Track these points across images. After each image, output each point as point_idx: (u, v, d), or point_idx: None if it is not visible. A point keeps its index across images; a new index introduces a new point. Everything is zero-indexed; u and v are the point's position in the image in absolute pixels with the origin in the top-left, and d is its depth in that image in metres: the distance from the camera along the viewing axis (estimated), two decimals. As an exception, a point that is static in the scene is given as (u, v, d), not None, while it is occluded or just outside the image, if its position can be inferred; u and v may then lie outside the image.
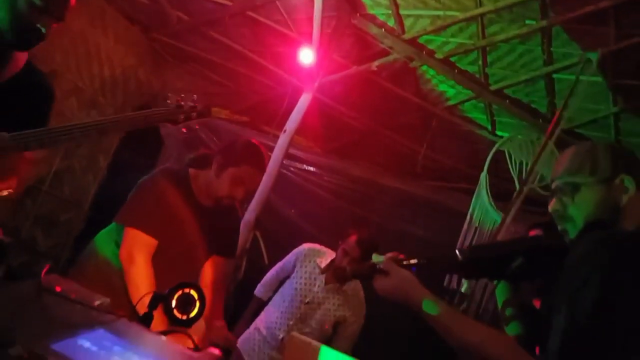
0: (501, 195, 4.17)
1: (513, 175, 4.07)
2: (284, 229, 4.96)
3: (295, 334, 2.18)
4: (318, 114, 4.80)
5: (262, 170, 2.24)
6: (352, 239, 3.00)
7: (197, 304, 1.41)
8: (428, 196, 5.23)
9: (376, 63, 4.17)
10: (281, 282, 3.30)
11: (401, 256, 1.59)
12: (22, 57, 1.76)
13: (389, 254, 1.59)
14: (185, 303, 1.39)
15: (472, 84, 4.18)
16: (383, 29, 4.02)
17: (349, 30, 4.19)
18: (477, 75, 4.14)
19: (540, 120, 4.19)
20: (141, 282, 2.01)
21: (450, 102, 4.51)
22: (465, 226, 4.06)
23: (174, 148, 5.33)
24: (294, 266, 3.20)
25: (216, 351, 1.05)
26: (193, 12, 4.67)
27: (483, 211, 4.04)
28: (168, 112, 1.79)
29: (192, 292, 1.41)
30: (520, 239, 1.79)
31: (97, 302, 1.15)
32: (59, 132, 1.56)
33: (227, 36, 4.80)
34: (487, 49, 3.89)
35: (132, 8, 4.74)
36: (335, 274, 2.66)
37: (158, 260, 2.06)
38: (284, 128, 4.16)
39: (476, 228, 4.02)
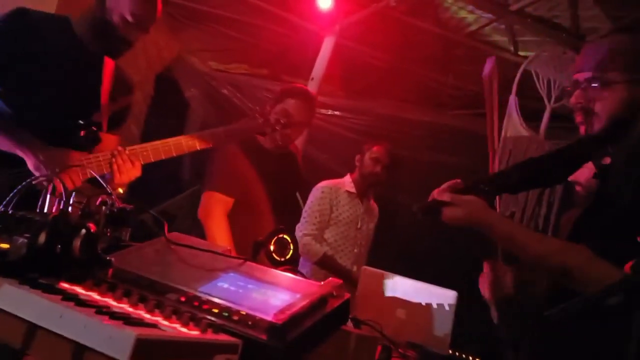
0: (531, 115, 4.22)
1: (542, 93, 4.10)
2: (318, 174, 5.08)
3: (366, 267, 2.35)
4: (337, 57, 4.81)
5: (306, 101, 2.42)
6: (380, 148, 3.32)
7: (291, 246, 1.54)
8: (456, 125, 5.27)
9: (394, -2, 4.14)
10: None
11: (458, 181, 1.66)
12: (111, 63, 1.96)
13: (447, 184, 1.64)
14: (282, 246, 1.53)
15: (492, 7, 4.15)
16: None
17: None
18: (496, -3, 4.11)
19: (564, 35, 4.17)
20: (218, 233, 2.20)
21: (471, 28, 4.48)
22: (499, 150, 4.12)
23: (200, 108, 5.42)
24: (331, 206, 3.30)
25: (337, 280, 1.18)
26: (202, -31, 4.64)
27: (515, 133, 4.10)
28: (258, 125, 2.06)
29: (286, 237, 1.54)
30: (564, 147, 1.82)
31: (220, 250, 1.28)
32: (171, 146, 1.88)
33: (238, -11, 4.78)
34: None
35: (141, -27, 4.71)
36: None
37: (241, 215, 2.24)
38: (311, 75, 4.20)
39: (510, 150, 4.10)
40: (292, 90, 2.44)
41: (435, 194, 1.55)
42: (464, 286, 2.28)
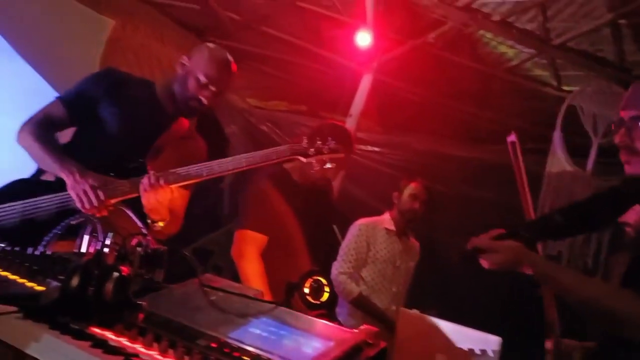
0: (576, 150, 4.09)
1: (587, 128, 3.98)
2: (356, 210, 5.04)
3: (404, 309, 2.28)
4: (374, 92, 4.83)
5: (349, 148, 2.32)
6: (417, 184, 3.31)
7: (327, 288, 1.50)
8: (495, 160, 5.17)
9: (432, 35, 4.14)
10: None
11: (502, 230, 1.61)
12: (186, 122, 2.11)
13: (489, 234, 1.60)
14: (317, 289, 1.49)
15: (533, 42, 4.10)
16: (436, -1, 3.99)
17: (400, 5, 4.19)
18: (538, 32, 4.05)
19: (609, 69, 4.07)
20: (251, 274, 2.17)
21: (512, 63, 4.43)
22: (543, 187, 4.00)
23: (240, 145, 5.49)
24: (368, 244, 3.24)
25: (373, 327, 1.13)
26: (243, 10, 4.78)
27: (560, 170, 3.98)
28: (302, 148, 1.96)
29: (321, 279, 1.50)
30: (609, 189, 1.77)
31: (252, 293, 1.26)
32: (202, 169, 1.87)
33: (278, 29, 4.88)
34: (546, 3, 3.80)
35: (186, 15, 4.90)
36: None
37: (275, 252, 2.21)
38: (349, 112, 4.21)
39: (555, 188, 3.97)
40: (334, 137, 2.22)
41: (474, 241, 1.53)
42: (508, 331, 2.18)
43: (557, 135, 4.00)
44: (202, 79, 1.97)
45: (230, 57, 2.09)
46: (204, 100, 1.99)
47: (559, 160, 4.00)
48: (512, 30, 4.05)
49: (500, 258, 1.48)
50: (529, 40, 4.10)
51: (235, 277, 2.25)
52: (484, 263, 1.52)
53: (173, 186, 1.87)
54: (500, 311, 4.05)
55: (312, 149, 1.96)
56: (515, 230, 1.52)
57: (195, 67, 2.01)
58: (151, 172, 1.87)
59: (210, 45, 2.12)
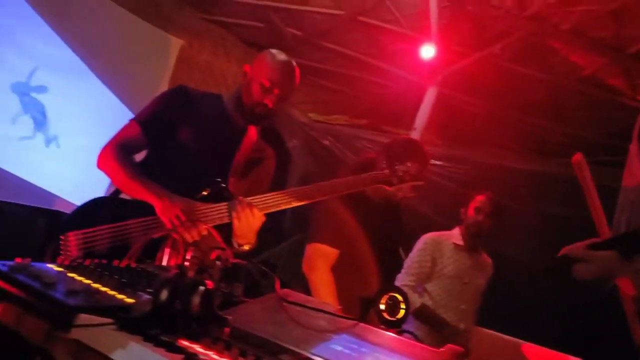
0: (656, 163, 3.87)
1: (667, 140, 3.75)
2: (419, 225, 4.95)
3: (480, 328, 2.21)
4: (438, 105, 4.76)
5: (425, 164, 2.28)
6: (482, 197, 3.28)
7: (403, 305, 1.47)
8: (563, 173, 4.96)
9: (498, 46, 4.05)
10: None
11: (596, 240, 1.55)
12: (254, 133, 2.10)
13: (583, 242, 1.55)
14: (392, 306, 1.46)
15: (606, 50, 3.93)
16: (502, 10, 3.91)
17: (464, 17, 4.12)
18: (611, 40, 3.88)
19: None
20: (322, 287, 2.17)
21: (584, 73, 4.26)
22: (619, 201, 3.79)
23: (302, 159, 5.55)
24: (434, 258, 3.18)
25: (457, 347, 1.10)
26: (304, 26, 4.84)
27: (637, 183, 3.76)
28: (385, 176, 1.95)
29: (397, 295, 1.47)
30: None
31: (331, 309, 1.25)
32: (292, 196, 1.86)
33: (339, 44, 4.92)
34: (619, 10, 3.65)
35: (249, 33, 5.02)
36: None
37: (345, 268, 2.20)
38: (414, 125, 4.17)
39: (632, 201, 3.75)
40: (411, 152, 2.27)
41: (567, 250, 1.48)
42: (591, 352, 2.07)
43: (633, 147, 3.79)
44: (266, 83, 1.94)
45: (293, 62, 2.05)
46: (269, 105, 1.96)
47: (635, 174, 3.78)
48: (583, 38, 3.90)
49: (595, 268, 1.44)
50: (602, 49, 3.93)
51: (303, 290, 2.26)
52: (576, 273, 1.48)
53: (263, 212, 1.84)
54: (581, 330, 3.86)
55: (396, 178, 1.94)
56: (611, 240, 1.47)
57: (258, 73, 1.98)
58: (243, 199, 1.83)
59: (273, 50, 2.07)
